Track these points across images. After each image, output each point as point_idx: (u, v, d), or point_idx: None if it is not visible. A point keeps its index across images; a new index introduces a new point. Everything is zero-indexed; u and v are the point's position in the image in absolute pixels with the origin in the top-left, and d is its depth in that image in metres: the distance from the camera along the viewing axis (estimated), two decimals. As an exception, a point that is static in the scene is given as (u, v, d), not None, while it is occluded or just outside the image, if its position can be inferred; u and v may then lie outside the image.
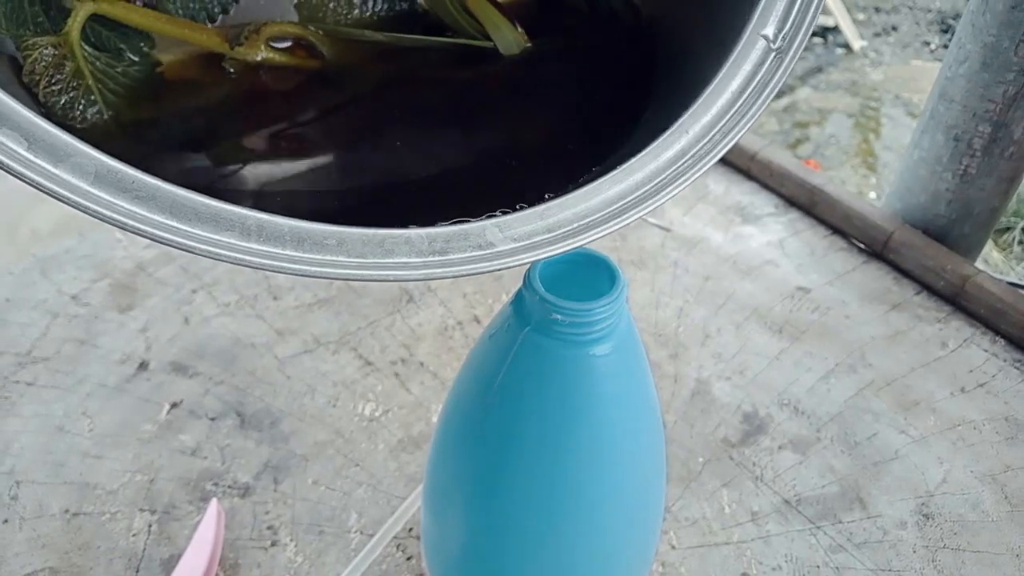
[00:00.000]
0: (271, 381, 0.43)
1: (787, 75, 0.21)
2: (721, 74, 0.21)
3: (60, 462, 0.39)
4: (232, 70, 0.23)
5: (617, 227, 0.20)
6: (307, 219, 0.17)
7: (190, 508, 0.37)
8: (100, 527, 0.36)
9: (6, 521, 0.36)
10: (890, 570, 0.36)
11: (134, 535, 0.36)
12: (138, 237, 0.51)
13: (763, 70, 0.21)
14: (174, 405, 0.42)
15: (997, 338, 0.47)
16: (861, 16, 2.53)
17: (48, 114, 0.21)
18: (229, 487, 0.38)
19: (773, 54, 0.21)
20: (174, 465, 0.39)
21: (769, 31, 0.21)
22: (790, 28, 0.21)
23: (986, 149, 0.48)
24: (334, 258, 0.17)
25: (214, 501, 0.36)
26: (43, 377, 0.43)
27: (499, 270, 0.19)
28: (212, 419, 0.41)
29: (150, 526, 0.36)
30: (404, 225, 0.18)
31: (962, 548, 0.37)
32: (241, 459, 0.39)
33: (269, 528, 0.37)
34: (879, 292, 0.50)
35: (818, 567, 0.36)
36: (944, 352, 0.46)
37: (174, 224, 0.16)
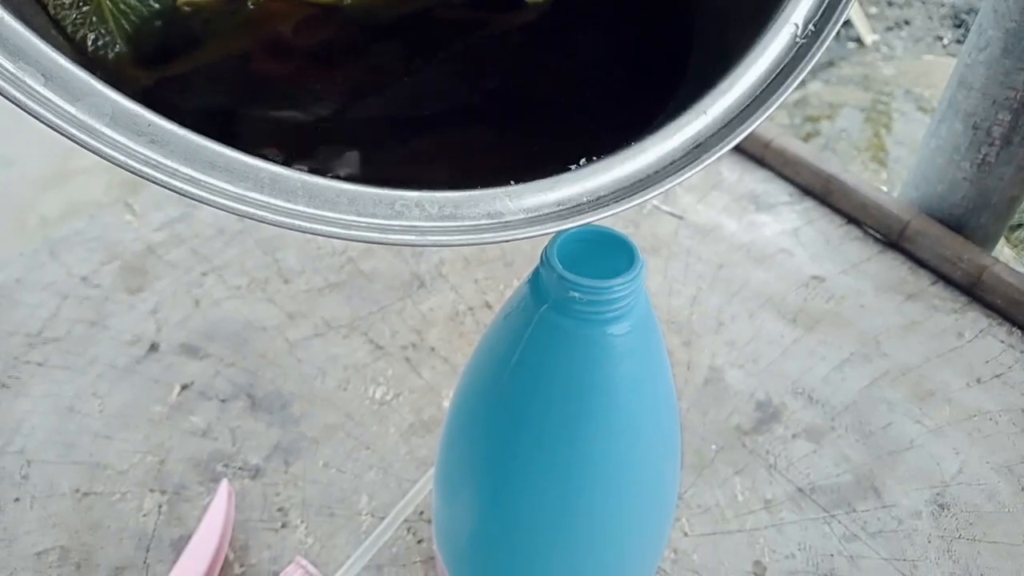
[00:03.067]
0: (282, 364, 0.43)
1: (812, 64, 0.20)
2: (748, 57, 0.20)
3: (71, 442, 0.39)
4: (250, 2, 0.23)
5: (627, 207, 0.20)
6: (316, 168, 0.17)
7: (200, 489, 0.37)
8: (110, 507, 0.36)
9: (17, 500, 0.36)
10: (904, 559, 0.35)
11: (144, 515, 0.36)
12: (147, 217, 0.51)
13: (789, 57, 0.20)
14: (184, 387, 0.42)
15: (1014, 329, 0.46)
16: (873, 10, 2.51)
17: (58, 29, 0.20)
18: (239, 468, 0.38)
19: (800, 42, 0.20)
20: (184, 446, 0.39)
21: (799, 17, 0.21)
22: (820, 16, 0.21)
23: (1005, 137, 0.47)
24: (344, 217, 0.17)
25: (224, 482, 0.36)
26: (54, 358, 0.43)
27: (506, 241, 0.19)
28: (223, 401, 0.41)
29: (160, 507, 0.36)
30: (413, 183, 0.18)
31: (978, 539, 0.36)
32: (251, 441, 0.39)
33: (279, 510, 0.36)
34: (894, 282, 0.49)
35: (832, 556, 0.35)
36: (960, 343, 0.46)
37: (188, 171, 0.16)
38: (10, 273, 0.48)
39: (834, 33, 0.20)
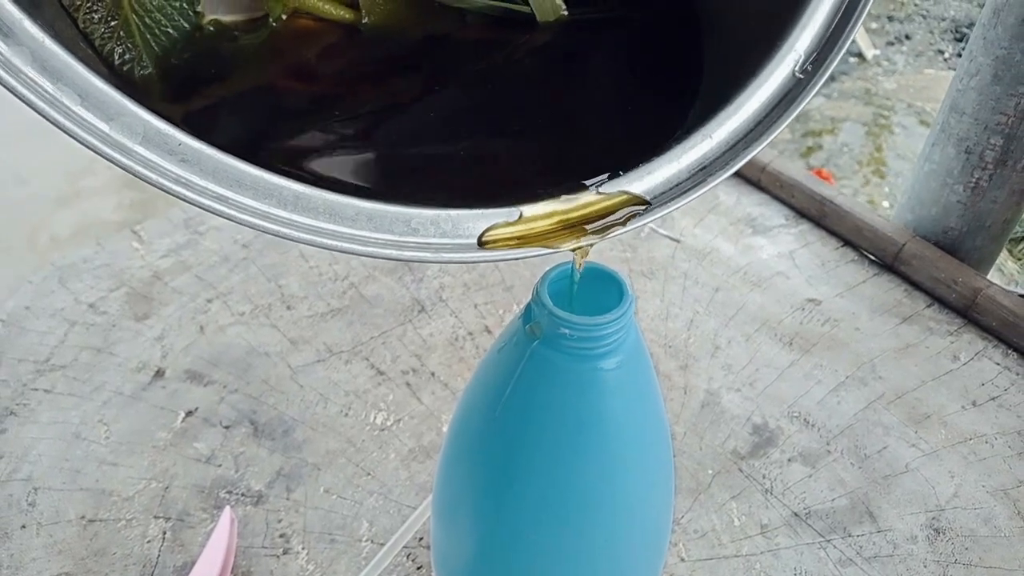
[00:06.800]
0: (284, 390, 0.44)
1: (815, 92, 0.21)
2: (753, 83, 0.21)
3: (77, 469, 0.40)
4: (272, 20, 0.23)
5: (634, 227, 0.20)
6: (334, 184, 0.18)
7: (204, 516, 0.38)
8: (115, 533, 0.37)
9: (24, 527, 0.37)
10: (900, 584, 0.36)
11: (148, 542, 0.37)
12: (153, 245, 0.52)
13: (792, 84, 0.21)
14: (189, 413, 0.42)
15: (1009, 351, 0.47)
16: (874, 25, 2.52)
17: (87, 42, 0.21)
18: (242, 495, 0.39)
19: (799, 76, 0.21)
20: (188, 473, 0.40)
21: (802, 47, 0.21)
22: (823, 46, 0.21)
23: (998, 162, 0.48)
24: (363, 233, 0.18)
25: (227, 509, 0.37)
26: (60, 385, 0.44)
27: (517, 259, 0.19)
28: (226, 427, 0.42)
29: (164, 533, 0.37)
30: (426, 200, 0.19)
31: (973, 564, 0.36)
32: (254, 467, 0.40)
33: (281, 536, 0.37)
34: (890, 304, 0.50)
35: (827, 581, 0.36)
36: (955, 365, 0.46)
37: (216, 190, 0.16)
38: (19, 301, 0.48)
39: (836, 63, 0.21)
